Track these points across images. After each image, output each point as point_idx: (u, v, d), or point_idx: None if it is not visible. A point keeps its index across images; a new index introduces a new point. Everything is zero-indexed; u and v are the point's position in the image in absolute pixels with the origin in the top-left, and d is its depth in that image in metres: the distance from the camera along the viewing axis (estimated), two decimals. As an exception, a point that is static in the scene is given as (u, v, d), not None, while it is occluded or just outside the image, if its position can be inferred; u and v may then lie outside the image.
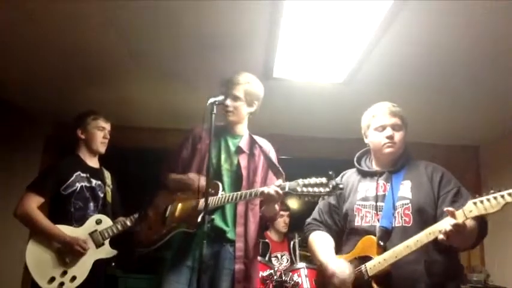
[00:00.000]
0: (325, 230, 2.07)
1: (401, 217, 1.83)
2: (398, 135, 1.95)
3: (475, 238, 1.72)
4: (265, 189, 1.98)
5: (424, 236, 1.65)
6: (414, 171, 1.94)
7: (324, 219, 2.09)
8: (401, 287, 1.74)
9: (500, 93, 3.20)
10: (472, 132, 4.19)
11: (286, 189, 1.94)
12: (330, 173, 1.87)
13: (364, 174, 2.04)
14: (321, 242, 2.02)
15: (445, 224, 1.58)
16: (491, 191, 1.50)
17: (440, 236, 1.58)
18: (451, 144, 4.44)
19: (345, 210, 2.01)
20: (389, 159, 1.98)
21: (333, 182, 1.83)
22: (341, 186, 1.84)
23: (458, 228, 1.54)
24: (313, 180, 1.88)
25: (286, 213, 3.84)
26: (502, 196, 1.47)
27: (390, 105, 1.99)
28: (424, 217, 1.80)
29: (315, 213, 2.14)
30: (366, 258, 1.82)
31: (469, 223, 1.61)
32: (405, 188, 1.89)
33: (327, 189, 1.84)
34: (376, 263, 1.76)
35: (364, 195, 1.97)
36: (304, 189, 1.88)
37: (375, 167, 2.03)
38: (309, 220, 2.15)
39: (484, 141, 4.45)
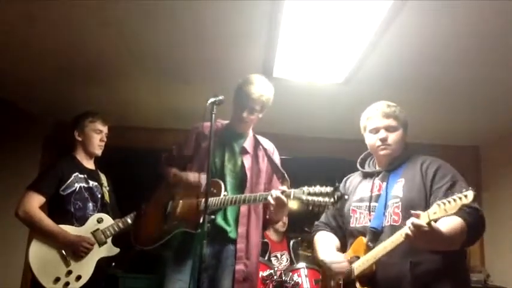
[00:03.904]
0: (331, 231, 2.10)
1: (391, 216, 1.80)
2: (393, 137, 1.91)
3: (464, 237, 1.62)
4: (275, 193, 1.94)
5: (398, 236, 1.61)
6: (411, 169, 1.89)
7: (329, 221, 2.12)
8: (385, 287, 1.74)
9: (500, 93, 3.19)
10: (472, 132, 4.18)
11: (291, 197, 1.92)
12: (337, 184, 1.87)
13: (365, 175, 2.04)
14: (323, 241, 2.05)
15: (406, 225, 1.53)
16: (456, 193, 1.47)
17: (401, 238, 1.56)
18: (451, 144, 4.43)
19: (344, 212, 2.02)
20: (387, 159, 1.95)
21: (338, 193, 1.82)
22: (346, 197, 1.84)
23: (420, 229, 1.49)
24: (318, 189, 1.86)
25: None
26: (460, 198, 1.44)
27: (385, 106, 1.94)
28: None
29: (323, 215, 2.16)
30: (355, 259, 1.84)
31: (450, 224, 1.56)
32: (398, 187, 1.85)
33: (332, 200, 1.82)
34: (361, 263, 1.79)
35: (360, 196, 1.97)
36: (309, 198, 1.86)
37: (377, 168, 2.02)
38: (317, 222, 2.18)
39: (484, 141, 4.45)
